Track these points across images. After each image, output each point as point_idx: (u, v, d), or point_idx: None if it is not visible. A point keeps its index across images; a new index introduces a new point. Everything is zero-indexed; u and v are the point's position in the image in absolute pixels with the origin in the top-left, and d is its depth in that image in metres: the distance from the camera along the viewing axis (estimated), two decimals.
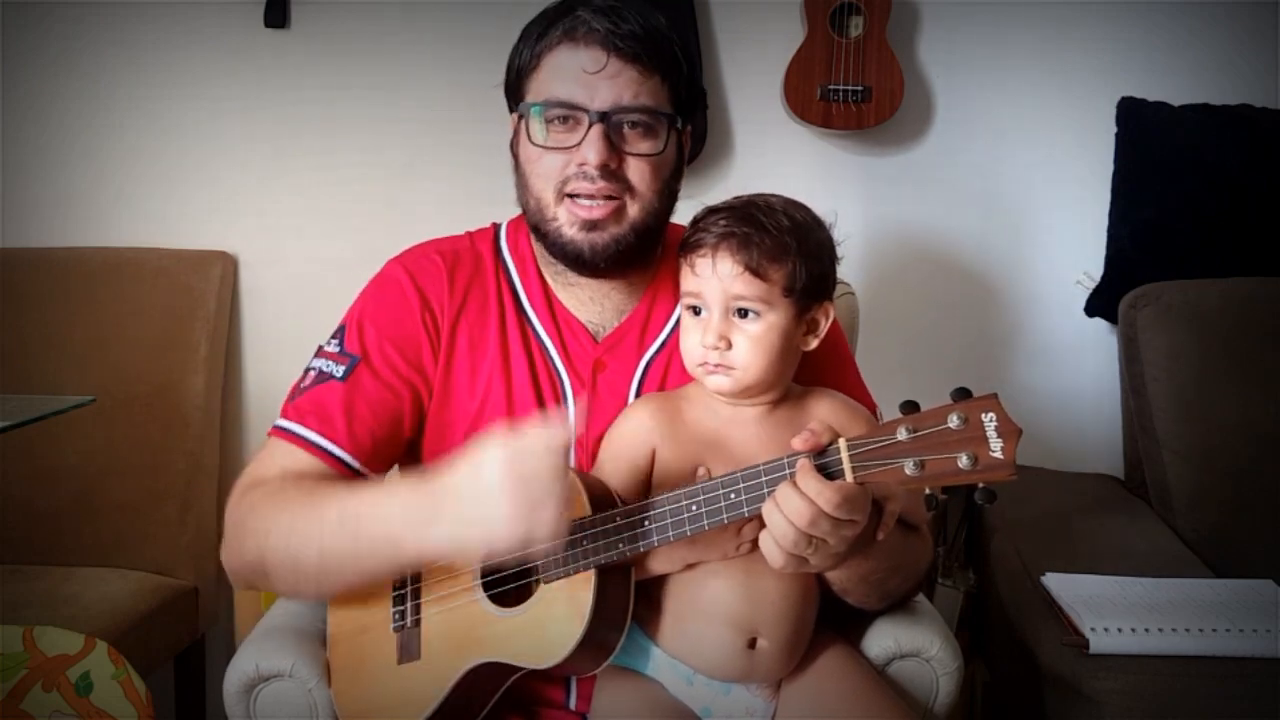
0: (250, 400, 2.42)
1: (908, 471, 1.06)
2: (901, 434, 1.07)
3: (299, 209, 2.39)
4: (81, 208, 2.38)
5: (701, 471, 1.25)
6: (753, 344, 1.25)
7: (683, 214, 1.34)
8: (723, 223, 1.25)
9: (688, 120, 1.39)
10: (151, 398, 2.24)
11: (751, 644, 1.27)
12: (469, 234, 1.50)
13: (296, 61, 2.36)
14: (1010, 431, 1.04)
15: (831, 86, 2.23)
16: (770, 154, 2.37)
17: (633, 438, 1.31)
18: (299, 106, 2.36)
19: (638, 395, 1.39)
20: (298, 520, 1.28)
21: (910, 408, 1.09)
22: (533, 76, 1.34)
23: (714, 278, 1.25)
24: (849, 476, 1.10)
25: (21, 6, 2.34)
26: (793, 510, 1.10)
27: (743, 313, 1.25)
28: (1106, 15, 2.34)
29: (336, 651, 1.39)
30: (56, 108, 2.37)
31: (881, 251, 2.37)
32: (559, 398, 1.39)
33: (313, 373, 1.40)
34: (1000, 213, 2.40)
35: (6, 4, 2.33)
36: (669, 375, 1.40)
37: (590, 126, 1.30)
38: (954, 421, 1.05)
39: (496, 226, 1.50)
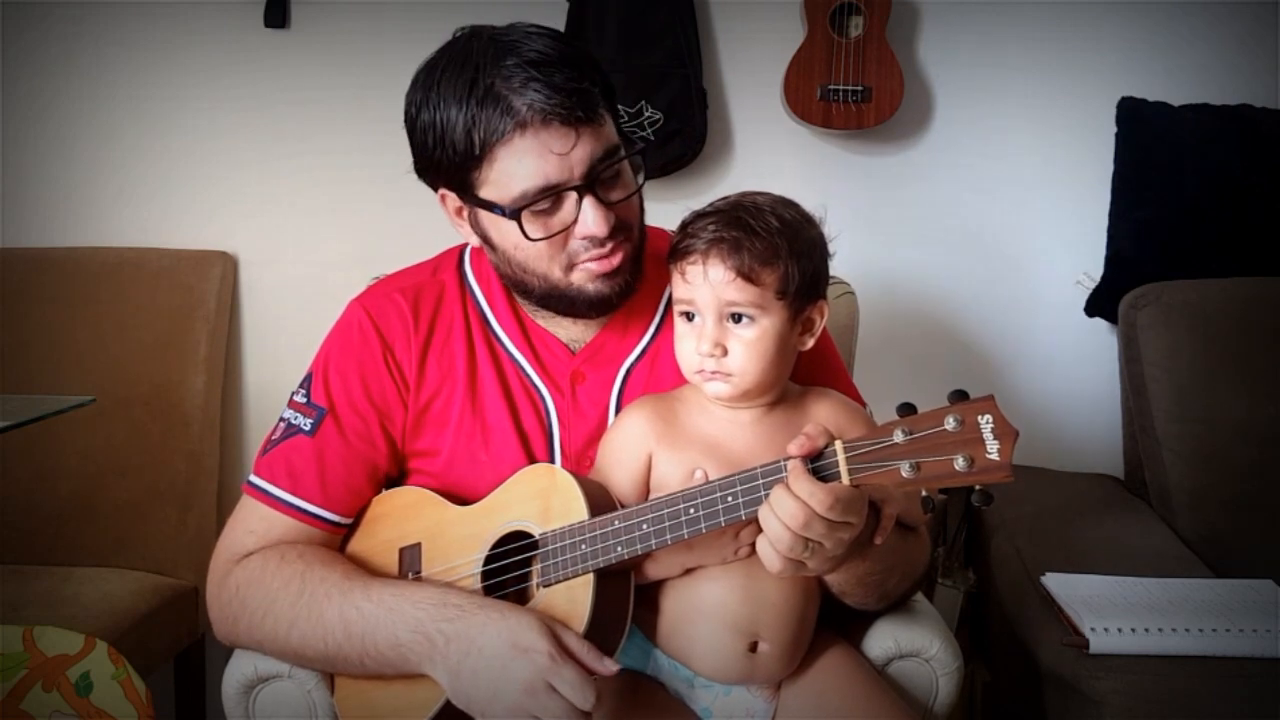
0: (250, 400, 2.42)
1: (904, 474, 1.06)
2: (898, 436, 1.07)
3: (299, 209, 2.39)
4: (81, 208, 2.39)
5: (698, 475, 1.24)
6: (748, 349, 1.24)
7: (674, 218, 1.33)
8: (711, 228, 1.24)
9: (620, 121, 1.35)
10: (151, 398, 2.24)
11: (752, 647, 1.27)
12: (432, 261, 1.49)
13: (296, 61, 2.36)
14: (1007, 433, 1.04)
15: (831, 86, 2.23)
16: (770, 154, 2.37)
17: (629, 442, 1.31)
18: (299, 106, 2.36)
19: (618, 404, 1.38)
20: (298, 620, 1.30)
21: (907, 410, 1.09)
22: (486, 169, 1.25)
23: (706, 284, 1.23)
24: (845, 479, 1.10)
25: (21, 6, 2.34)
26: (786, 513, 1.10)
27: (736, 318, 1.24)
28: (1106, 15, 2.34)
29: None
30: (56, 108, 2.37)
31: (881, 251, 2.37)
32: (539, 413, 1.39)
33: (283, 424, 1.41)
34: (1000, 213, 2.39)
35: (6, 4, 2.33)
36: (651, 383, 1.39)
37: (581, 199, 1.25)
38: (950, 424, 1.05)
39: (460, 251, 1.48)
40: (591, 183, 1.25)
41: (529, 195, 1.24)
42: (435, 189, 1.34)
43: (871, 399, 1.47)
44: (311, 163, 2.37)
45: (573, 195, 1.25)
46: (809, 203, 1.32)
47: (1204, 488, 2.05)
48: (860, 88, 2.23)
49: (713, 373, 1.25)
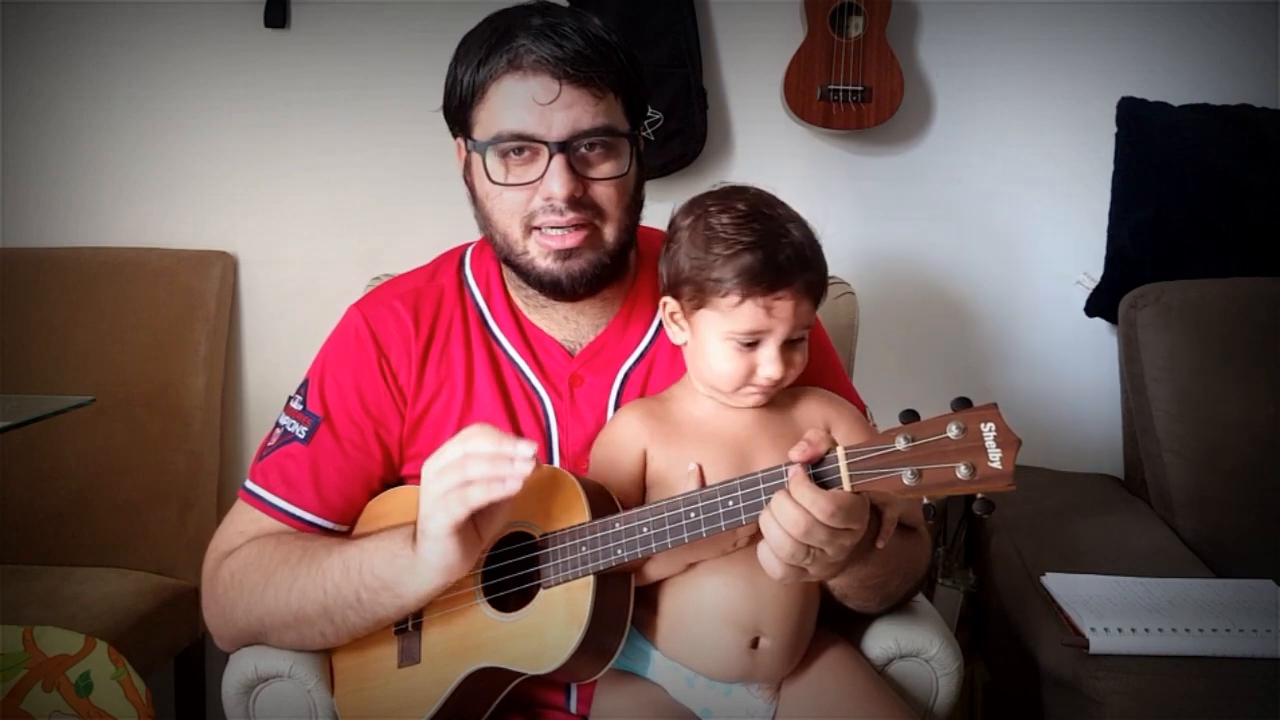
0: (250, 400, 2.42)
1: (905, 481, 1.06)
2: (900, 443, 1.07)
3: (299, 209, 2.39)
4: (81, 208, 2.38)
5: (692, 467, 1.25)
6: (799, 367, 1.29)
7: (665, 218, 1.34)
8: (796, 269, 1.24)
9: (641, 126, 1.37)
10: (151, 398, 2.24)
11: (754, 644, 1.27)
12: (431, 265, 1.49)
13: (296, 61, 2.35)
14: (1009, 442, 1.04)
15: (831, 86, 2.23)
16: (770, 154, 2.36)
17: (623, 441, 1.31)
18: (299, 106, 2.36)
19: (616, 407, 1.39)
20: (298, 578, 1.30)
21: (910, 417, 1.09)
22: (479, 108, 1.30)
23: (792, 318, 1.25)
24: (846, 485, 1.10)
25: (21, 6, 2.34)
26: (787, 519, 1.10)
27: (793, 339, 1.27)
28: (1106, 15, 2.33)
29: (340, 654, 1.39)
30: (56, 108, 2.37)
31: (881, 251, 2.37)
32: (538, 415, 1.39)
33: (279, 431, 1.41)
34: (1000, 212, 2.39)
35: (6, 4, 2.33)
36: (649, 385, 1.40)
37: (551, 158, 1.27)
38: (953, 431, 1.05)
39: (461, 252, 1.49)
40: (567, 146, 1.27)
41: (503, 137, 1.28)
42: (455, 137, 1.37)
43: (871, 399, 1.47)
44: (311, 163, 2.37)
45: (545, 152, 1.27)
46: (808, 203, 1.33)
47: (1204, 487, 2.05)
48: (860, 88, 2.23)
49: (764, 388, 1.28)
